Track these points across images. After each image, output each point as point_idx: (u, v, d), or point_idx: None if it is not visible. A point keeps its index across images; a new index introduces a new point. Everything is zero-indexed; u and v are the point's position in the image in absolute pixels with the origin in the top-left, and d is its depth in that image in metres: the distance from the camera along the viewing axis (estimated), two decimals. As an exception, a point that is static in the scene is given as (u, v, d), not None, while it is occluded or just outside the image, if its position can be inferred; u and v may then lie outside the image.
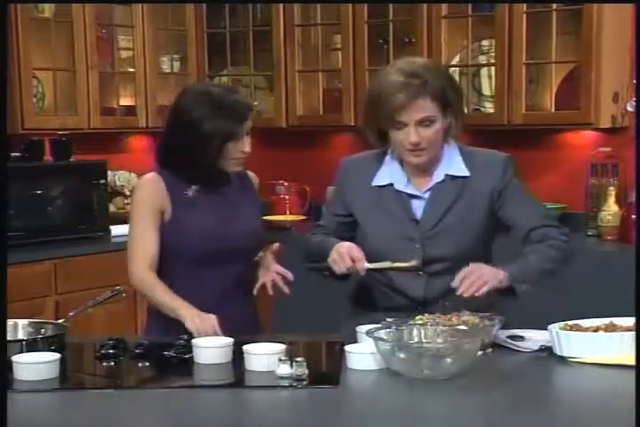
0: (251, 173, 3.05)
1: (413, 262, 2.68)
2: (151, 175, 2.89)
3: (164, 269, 2.84)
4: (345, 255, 2.66)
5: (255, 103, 5.39)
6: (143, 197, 2.87)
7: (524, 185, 2.81)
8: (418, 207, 2.75)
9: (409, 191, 2.75)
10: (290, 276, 2.89)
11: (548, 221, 2.79)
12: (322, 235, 2.86)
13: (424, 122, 2.63)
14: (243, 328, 2.80)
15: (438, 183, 2.74)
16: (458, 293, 2.56)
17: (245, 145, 2.83)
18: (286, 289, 2.88)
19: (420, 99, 2.60)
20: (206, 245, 2.83)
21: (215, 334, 2.63)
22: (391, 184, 2.76)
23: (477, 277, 2.56)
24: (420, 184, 2.76)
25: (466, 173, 2.74)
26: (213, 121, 2.76)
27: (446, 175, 2.74)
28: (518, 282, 2.64)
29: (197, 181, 2.87)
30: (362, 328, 2.53)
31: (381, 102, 2.62)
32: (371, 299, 2.82)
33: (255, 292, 2.91)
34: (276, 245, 2.97)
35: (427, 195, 2.75)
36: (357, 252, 2.67)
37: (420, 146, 2.65)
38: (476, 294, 2.55)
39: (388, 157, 2.79)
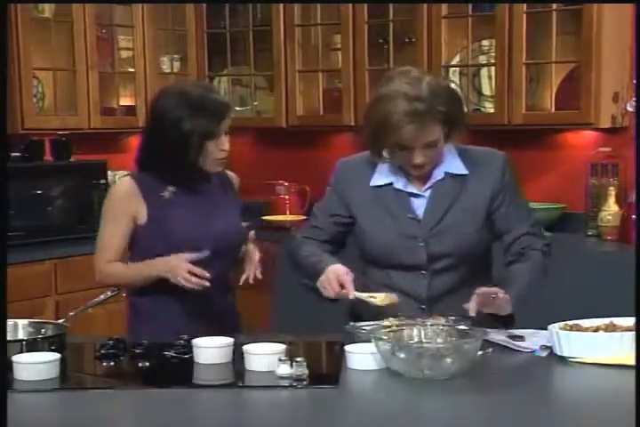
0: (230, 173, 3.07)
1: (394, 299, 2.66)
2: (124, 180, 2.95)
3: None
4: (334, 281, 2.63)
5: (255, 103, 5.40)
6: (111, 203, 2.93)
7: (518, 186, 2.82)
8: (419, 206, 2.75)
9: (409, 190, 2.76)
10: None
11: (533, 229, 2.80)
12: (314, 243, 2.84)
13: (429, 145, 2.63)
14: (222, 324, 2.85)
15: (438, 181, 2.74)
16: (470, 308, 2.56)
17: (224, 143, 2.86)
18: (259, 275, 2.93)
19: (427, 126, 2.58)
20: (187, 244, 2.85)
21: (193, 273, 2.74)
22: (390, 183, 2.76)
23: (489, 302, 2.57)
24: (419, 183, 2.76)
25: (464, 171, 2.75)
26: (192, 120, 2.80)
27: (446, 173, 2.74)
28: (517, 308, 2.66)
29: (178, 182, 2.90)
30: (360, 325, 2.55)
31: (388, 130, 2.57)
32: None
33: (241, 282, 2.94)
34: (252, 233, 3.02)
35: (427, 193, 2.75)
36: (346, 277, 2.64)
37: (423, 163, 2.67)
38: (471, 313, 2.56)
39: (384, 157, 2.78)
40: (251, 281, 2.93)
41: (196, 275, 2.75)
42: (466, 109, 4.65)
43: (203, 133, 2.81)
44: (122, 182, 2.95)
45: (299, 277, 2.85)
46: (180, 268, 2.77)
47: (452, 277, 2.75)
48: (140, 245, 2.91)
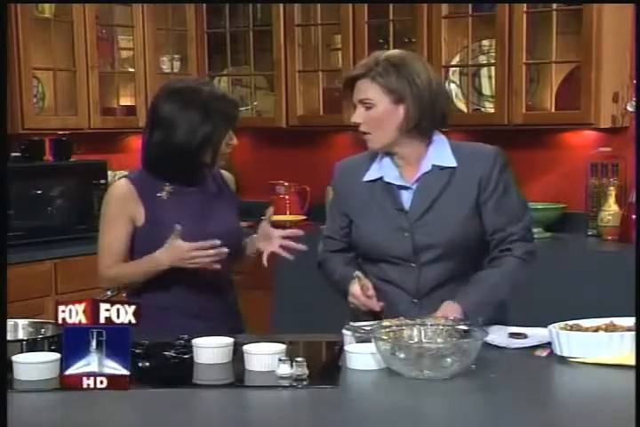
0: (226, 173, 3.07)
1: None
2: (120, 182, 2.93)
3: None
4: (361, 306, 2.73)
5: (255, 103, 5.41)
6: (109, 207, 2.91)
7: (512, 183, 2.79)
8: (408, 199, 2.77)
9: (398, 183, 2.77)
10: (300, 232, 2.94)
11: (522, 231, 2.76)
12: (335, 258, 2.88)
13: (365, 104, 2.71)
14: (222, 324, 2.85)
15: (425, 174, 2.75)
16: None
17: (233, 138, 2.90)
18: (290, 255, 2.90)
19: (359, 83, 2.71)
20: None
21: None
22: (381, 177, 2.78)
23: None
24: (409, 176, 2.78)
25: (453, 163, 2.75)
26: (207, 125, 2.80)
27: (433, 166, 2.75)
28: (474, 316, 2.61)
29: (178, 180, 2.88)
30: (360, 325, 2.55)
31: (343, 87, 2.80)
32: None
33: (266, 263, 2.89)
34: (271, 209, 3.03)
35: (415, 186, 2.76)
36: (367, 301, 2.71)
37: (361, 128, 2.73)
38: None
39: (380, 154, 2.80)
40: (265, 262, 2.88)
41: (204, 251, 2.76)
42: (466, 109, 4.72)
43: (219, 136, 2.82)
44: (118, 185, 2.93)
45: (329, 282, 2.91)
46: (183, 249, 2.76)
47: (441, 269, 2.74)
48: (135, 246, 2.90)
